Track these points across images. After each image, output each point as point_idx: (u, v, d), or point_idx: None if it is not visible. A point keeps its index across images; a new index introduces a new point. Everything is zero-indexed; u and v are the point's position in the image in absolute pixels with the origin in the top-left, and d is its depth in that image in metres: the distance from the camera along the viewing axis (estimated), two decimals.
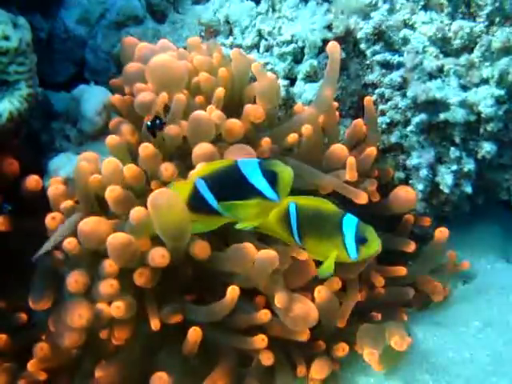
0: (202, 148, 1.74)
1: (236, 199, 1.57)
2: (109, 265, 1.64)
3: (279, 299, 1.68)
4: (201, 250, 1.68)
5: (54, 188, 1.79)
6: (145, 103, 1.81)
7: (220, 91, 1.88)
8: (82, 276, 1.64)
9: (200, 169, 1.68)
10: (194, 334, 1.70)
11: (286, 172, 1.56)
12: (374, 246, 1.77)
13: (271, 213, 1.72)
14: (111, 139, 1.79)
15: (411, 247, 2.00)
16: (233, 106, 1.96)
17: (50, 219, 1.74)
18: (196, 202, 1.61)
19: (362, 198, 1.84)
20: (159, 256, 1.61)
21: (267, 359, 1.76)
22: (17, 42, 1.68)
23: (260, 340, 1.73)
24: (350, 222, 1.76)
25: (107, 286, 1.63)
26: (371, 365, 1.77)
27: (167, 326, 1.75)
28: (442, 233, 1.97)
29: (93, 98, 2.02)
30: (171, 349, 1.83)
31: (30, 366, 1.73)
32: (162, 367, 1.77)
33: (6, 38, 1.67)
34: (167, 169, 1.74)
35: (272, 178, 1.55)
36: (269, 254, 1.64)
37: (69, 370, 1.84)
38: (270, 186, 1.56)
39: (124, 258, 1.62)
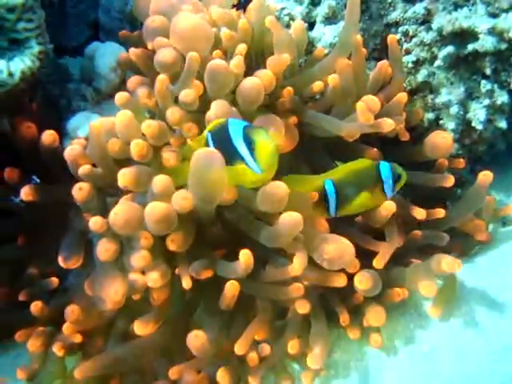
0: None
1: (227, 160, 1.50)
2: (144, 237, 1.60)
3: (298, 262, 1.62)
4: (227, 193, 1.60)
5: (70, 149, 1.72)
6: (165, 61, 1.73)
7: (242, 48, 1.81)
8: (112, 244, 1.61)
9: (211, 124, 1.64)
10: (232, 287, 1.66)
11: (266, 144, 1.49)
12: (404, 177, 1.85)
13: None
14: (120, 97, 1.72)
15: (451, 180, 1.92)
16: (253, 55, 1.91)
17: (78, 190, 1.66)
18: None
19: (387, 125, 1.74)
20: (181, 198, 1.54)
21: (303, 307, 1.71)
22: None
23: (296, 289, 1.69)
24: (386, 167, 1.81)
25: (140, 259, 1.60)
26: (429, 297, 1.74)
27: (202, 282, 1.72)
28: (485, 176, 1.84)
29: (106, 54, 1.98)
30: (207, 304, 1.82)
31: (65, 328, 1.72)
32: (199, 324, 1.77)
33: None
34: (173, 113, 1.68)
35: (249, 146, 1.51)
36: (292, 217, 1.56)
37: (103, 331, 1.85)
38: (251, 156, 1.51)
39: (163, 228, 1.57)
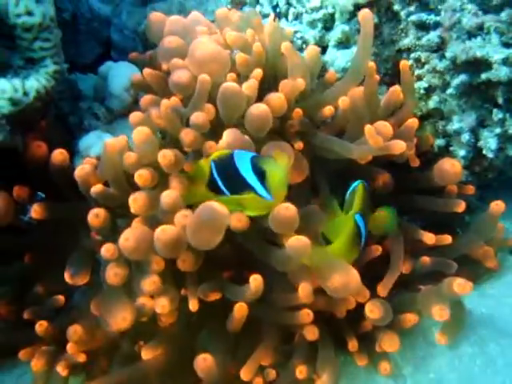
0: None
1: (233, 190, 1.59)
2: (156, 262, 1.60)
3: (303, 291, 1.62)
4: (239, 221, 1.61)
5: (80, 169, 1.72)
6: (180, 83, 1.74)
7: (257, 73, 1.82)
8: (121, 268, 1.61)
9: (215, 154, 1.66)
10: (241, 309, 1.65)
11: (276, 172, 1.53)
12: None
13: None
14: (134, 116, 1.74)
15: (462, 206, 1.91)
16: (266, 79, 1.90)
17: (94, 217, 1.65)
18: (211, 183, 1.64)
19: (398, 147, 1.72)
20: (182, 217, 1.55)
21: (312, 334, 1.70)
22: (40, 16, 1.64)
23: (305, 315, 1.67)
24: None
25: (151, 284, 1.59)
26: (437, 325, 1.72)
27: (208, 303, 1.71)
28: (497, 206, 1.84)
29: (120, 74, 1.98)
30: (213, 326, 1.81)
31: (69, 348, 1.71)
32: (204, 346, 1.75)
33: (29, 14, 1.63)
34: (187, 134, 1.68)
35: (260, 176, 1.54)
36: (300, 241, 1.56)
37: (108, 352, 1.83)
38: (261, 184, 1.54)
39: (173, 252, 1.57)
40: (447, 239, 1.89)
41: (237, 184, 1.57)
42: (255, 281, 1.58)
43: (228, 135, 1.68)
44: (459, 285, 1.64)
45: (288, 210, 1.55)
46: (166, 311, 1.62)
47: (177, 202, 1.56)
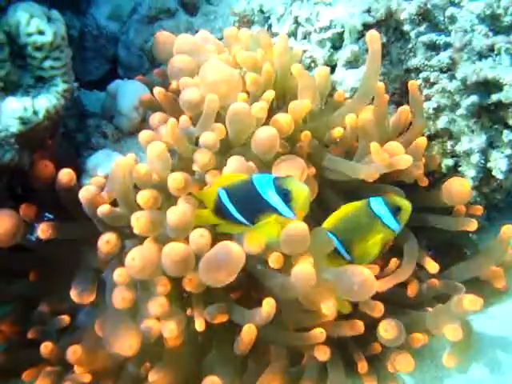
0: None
1: (252, 214, 1.60)
2: (162, 284, 1.59)
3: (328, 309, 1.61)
4: (253, 243, 1.61)
5: (85, 190, 1.70)
6: (190, 101, 1.74)
7: (270, 95, 1.82)
8: (129, 292, 1.59)
9: (219, 180, 1.67)
10: (250, 331, 1.63)
11: (300, 191, 1.56)
12: (407, 208, 1.82)
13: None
14: (144, 135, 1.74)
15: (474, 225, 1.90)
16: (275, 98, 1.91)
17: (105, 243, 1.65)
18: (220, 210, 1.64)
19: (404, 162, 1.74)
20: (198, 236, 1.55)
21: (323, 354, 1.68)
22: (51, 36, 1.63)
23: (319, 334, 1.66)
24: (378, 203, 1.80)
25: (158, 307, 1.58)
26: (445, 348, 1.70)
27: (215, 325, 1.69)
28: (509, 230, 1.84)
29: (129, 92, 1.97)
30: (220, 349, 1.78)
31: (76, 368, 1.69)
32: (210, 368, 1.73)
33: (41, 33, 1.62)
34: (202, 156, 1.68)
35: (285, 196, 1.55)
36: (303, 270, 1.55)
37: (114, 373, 1.80)
38: (285, 204, 1.56)
39: (181, 269, 1.56)
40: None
41: (256, 207, 1.59)
42: (268, 305, 1.57)
43: (232, 164, 1.68)
44: (470, 301, 1.64)
45: (299, 227, 1.55)
46: (173, 335, 1.60)
47: (183, 218, 1.54)
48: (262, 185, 1.58)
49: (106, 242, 1.65)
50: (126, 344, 1.54)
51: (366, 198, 1.82)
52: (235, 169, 1.67)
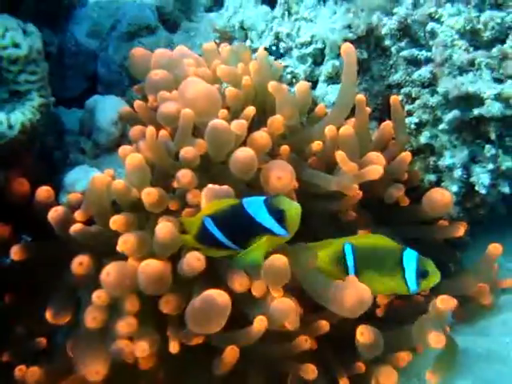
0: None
1: (244, 238, 1.60)
2: (130, 302, 1.55)
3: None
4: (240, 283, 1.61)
5: (54, 211, 1.68)
6: (168, 114, 1.73)
7: (250, 110, 1.81)
8: (100, 312, 1.56)
9: (206, 207, 1.64)
10: (231, 353, 1.60)
11: (292, 209, 1.56)
12: (435, 278, 1.77)
13: (323, 254, 1.74)
14: (124, 150, 1.72)
15: (462, 230, 1.92)
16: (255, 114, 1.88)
17: (78, 265, 1.61)
18: (204, 237, 1.63)
19: (374, 172, 1.72)
20: (195, 259, 1.53)
21: (311, 372, 1.65)
22: (27, 49, 1.61)
23: (302, 341, 1.64)
24: (411, 256, 1.75)
25: (126, 326, 1.54)
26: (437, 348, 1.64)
27: (193, 347, 1.65)
28: (495, 248, 1.84)
29: (107, 108, 1.95)
30: (198, 371, 1.73)
31: None
32: None
33: (16, 46, 1.60)
34: (184, 176, 1.65)
35: (279, 216, 1.55)
36: (283, 303, 1.55)
37: None
38: (278, 224, 1.56)
39: (157, 288, 1.54)
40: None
41: (248, 231, 1.59)
42: (261, 322, 1.54)
43: (206, 195, 1.65)
44: (442, 300, 1.62)
45: (280, 260, 1.55)
46: (145, 355, 1.55)
47: (172, 235, 1.53)
48: (254, 207, 1.58)
49: (79, 263, 1.61)
50: (93, 369, 1.52)
51: (403, 245, 1.80)
52: (210, 200, 1.64)
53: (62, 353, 1.71)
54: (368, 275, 1.74)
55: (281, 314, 1.54)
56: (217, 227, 1.60)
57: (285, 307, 1.54)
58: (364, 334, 1.63)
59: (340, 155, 1.70)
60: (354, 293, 1.55)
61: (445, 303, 1.61)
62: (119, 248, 1.55)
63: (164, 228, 1.52)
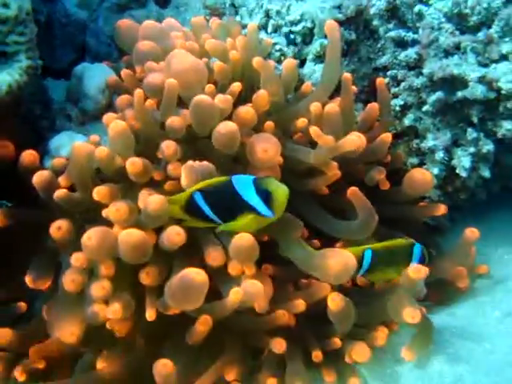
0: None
1: (230, 214, 1.63)
2: (106, 267, 1.56)
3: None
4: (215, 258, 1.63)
5: (38, 175, 1.67)
6: (154, 85, 1.73)
7: (236, 86, 1.82)
8: (79, 275, 1.56)
9: (198, 184, 1.65)
10: (204, 322, 1.61)
11: (280, 191, 1.59)
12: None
13: None
14: (109, 117, 1.72)
15: (442, 208, 1.97)
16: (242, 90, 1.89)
17: (56, 229, 1.61)
18: (191, 210, 1.65)
19: (350, 143, 1.71)
20: (175, 234, 1.54)
21: (280, 346, 1.67)
22: (16, 9, 1.60)
23: (281, 315, 1.68)
24: (417, 250, 1.88)
25: (99, 289, 1.55)
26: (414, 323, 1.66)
27: (171, 316, 1.66)
28: (472, 233, 1.86)
29: (96, 75, 1.95)
30: (175, 339, 1.74)
31: (31, 353, 1.66)
32: (167, 357, 1.70)
33: (5, 5, 1.59)
34: (168, 146, 1.66)
35: (266, 196, 1.58)
36: (254, 287, 1.56)
37: (69, 361, 1.76)
38: (264, 204, 1.59)
39: (137, 256, 1.54)
40: None
41: (234, 208, 1.62)
42: (236, 294, 1.54)
43: (185, 170, 1.65)
44: (413, 270, 1.64)
45: (244, 238, 1.56)
46: (117, 316, 1.56)
47: (162, 206, 1.54)
48: (242, 185, 1.60)
49: (58, 228, 1.61)
50: (67, 330, 1.53)
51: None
52: (191, 180, 1.65)
53: (38, 317, 1.73)
54: (378, 273, 1.87)
55: (250, 297, 1.56)
56: (205, 201, 1.63)
57: (254, 290, 1.55)
58: (335, 301, 1.65)
59: (314, 130, 1.70)
60: (340, 260, 1.57)
61: (416, 273, 1.63)
62: (111, 215, 1.55)
63: (156, 199, 1.53)
